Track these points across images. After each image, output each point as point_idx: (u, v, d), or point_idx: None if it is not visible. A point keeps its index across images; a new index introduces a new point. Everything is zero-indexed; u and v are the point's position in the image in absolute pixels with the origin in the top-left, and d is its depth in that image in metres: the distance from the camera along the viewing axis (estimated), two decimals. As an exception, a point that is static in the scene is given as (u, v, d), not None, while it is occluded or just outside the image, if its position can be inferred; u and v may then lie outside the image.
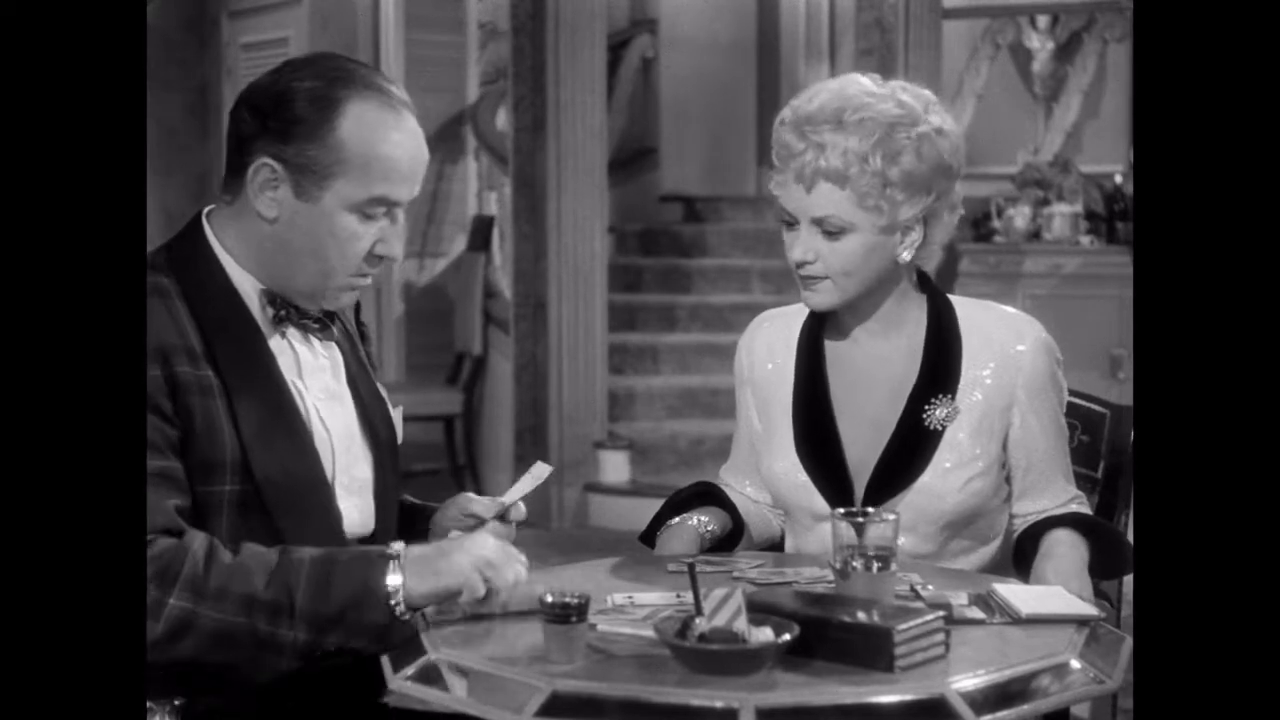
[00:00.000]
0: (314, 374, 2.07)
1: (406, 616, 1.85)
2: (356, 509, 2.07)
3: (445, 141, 7.37)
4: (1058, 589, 2.01)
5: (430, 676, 1.74)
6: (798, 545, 2.36)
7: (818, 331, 2.35)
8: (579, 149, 6.47)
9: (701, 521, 2.32)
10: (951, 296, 2.35)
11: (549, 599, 1.72)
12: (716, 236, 8.02)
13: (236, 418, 1.95)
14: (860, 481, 2.26)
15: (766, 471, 2.36)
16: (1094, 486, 2.49)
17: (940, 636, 1.73)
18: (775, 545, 2.46)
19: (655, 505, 2.42)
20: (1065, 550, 2.17)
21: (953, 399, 2.25)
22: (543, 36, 6.44)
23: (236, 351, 1.99)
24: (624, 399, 6.84)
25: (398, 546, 1.89)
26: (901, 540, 1.96)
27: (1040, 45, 7.62)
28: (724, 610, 1.69)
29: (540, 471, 2.07)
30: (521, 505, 2.12)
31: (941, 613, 1.77)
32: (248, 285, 2.03)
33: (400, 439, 2.19)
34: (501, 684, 1.68)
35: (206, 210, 2.08)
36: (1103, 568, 2.22)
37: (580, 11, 6.46)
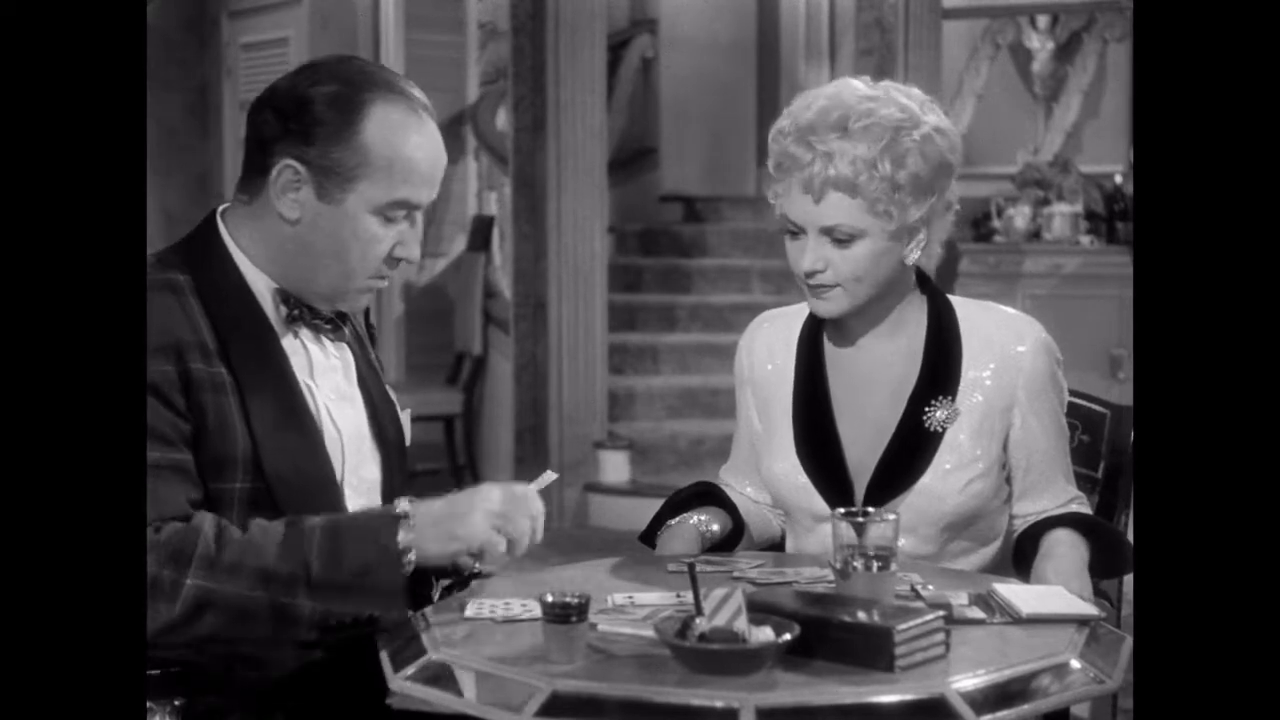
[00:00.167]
0: (326, 374, 2.08)
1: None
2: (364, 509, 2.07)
3: (445, 141, 7.36)
4: (1058, 589, 2.01)
5: (430, 676, 1.74)
6: (798, 546, 2.36)
7: (818, 332, 2.35)
8: (579, 149, 6.47)
9: (701, 521, 2.32)
10: (951, 297, 2.34)
11: (549, 599, 1.72)
12: (716, 236, 8.02)
13: (249, 415, 1.96)
14: (860, 483, 2.26)
15: (766, 472, 2.36)
16: (1094, 486, 2.49)
17: (940, 636, 1.73)
18: (775, 545, 2.46)
19: (655, 505, 2.42)
20: (1065, 550, 2.17)
21: (953, 401, 2.25)
22: (543, 36, 6.45)
23: (250, 349, 2.00)
24: (624, 399, 6.84)
25: (404, 505, 1.90)
26: (901, 542, 1.96)
27: (1040, 45, 7.62)
28: (724, 610, 1.69)
29: (546, 479, 2.08)
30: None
31: (941, 613, 1.77)
32: (261, 284, 2.04)
33: (408, 441, 2.20)
34: (501, 684, 1.68)
35: (221, 209, 2.09)
36: (1103, 567, 2.22)
37: (580, 11, 6.46)
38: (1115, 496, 2.49)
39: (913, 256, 2.24)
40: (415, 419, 2.26)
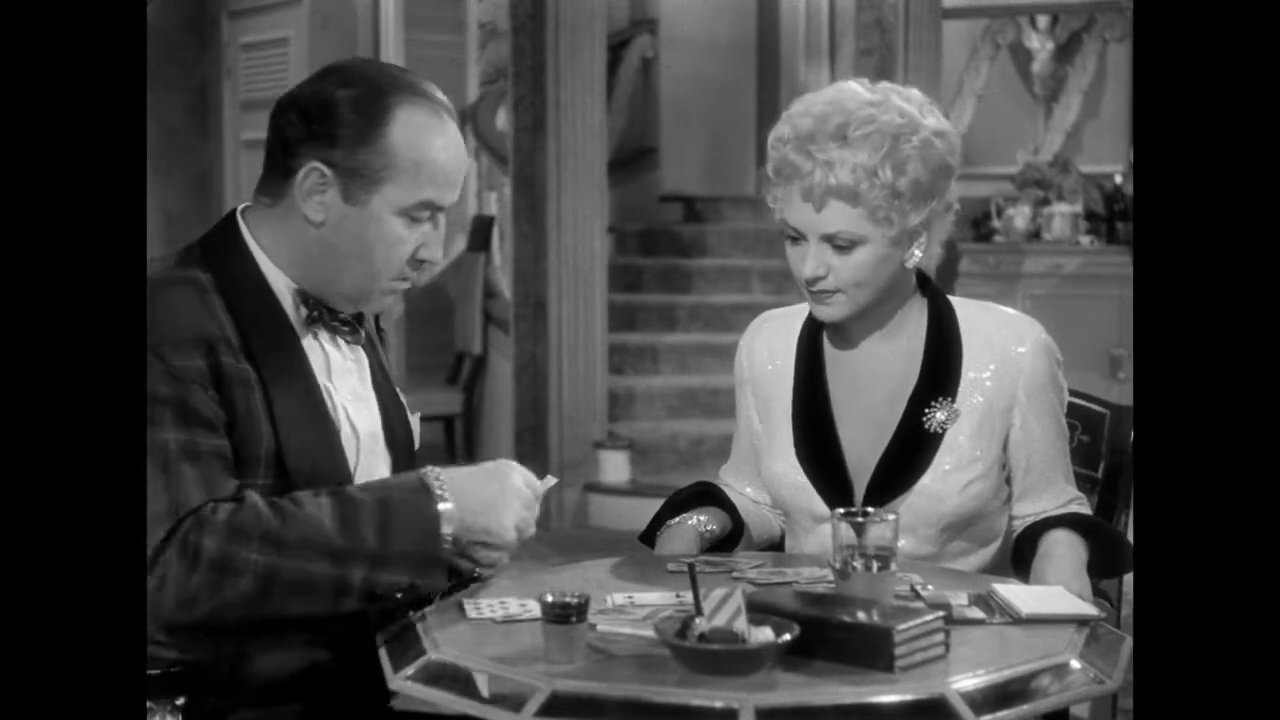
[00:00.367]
0: (342, 376, 2.09)
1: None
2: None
3: (446, 141, 7.35)
4: (1058, 589, 2.01)
5: (430, 676, 1.74)
6: (798, 546, 2.36)
7: (818, 333, 2.35)
8: (579, 149, 6.47)
9: (701, 521, 2.32)
10: (951, 298, 2.34)
11: (549, 599, 1.72)
12: (716, 236, 8.02)
13: (273, 413, 1.97)
14: (860, 484, 2.26)
15: (766, 473, 2.36)
16: (1094, 486, 2.49)
17: (940, 636, 1.73)
18: (775, 545, 2.46)
19: (655, 505, 2.42)
20: (1064, 550, 2.17)
21: (953, 401, 2.25)
22: (543, 36, 6.45)
23: (272, 348, 2.01)
24: (624, 399, 6.84)
25: (437, 485, 1.94)
26: (901, 542, 1.96)
27: (1040, 45, 7.62)
28: (724, 610, 1.69)
29: (546, 484, 2.08)
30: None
31: (941, 613, 1.77)
32: (282, 284, 2.05)
33: (417, 444, 2.22)
34: (501, 684, 1.68)
35: (240, 208, 2.10)
36: (1102, 567, 2.22)
37: (580, 11, 6.46)
38: (1115, 496, 2.49)
39: (914, 259, 2.24)
40: (415, 419, 2.27)
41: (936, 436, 2.24)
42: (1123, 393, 4.71)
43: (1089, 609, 1.91)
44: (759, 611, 1.73)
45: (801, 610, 1.75)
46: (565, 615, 1.71)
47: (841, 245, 2.18)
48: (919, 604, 1.85)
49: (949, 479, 2.23)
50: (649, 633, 1.75)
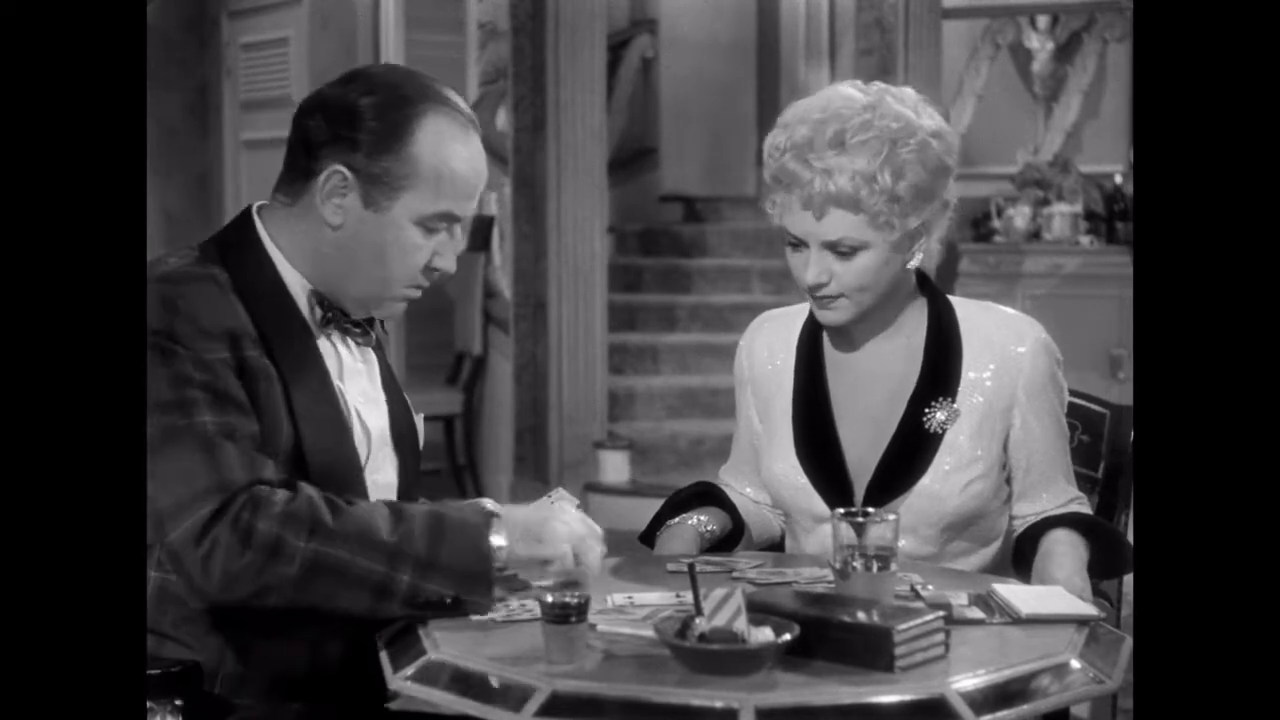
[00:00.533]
0: (353, 377, 2.10)
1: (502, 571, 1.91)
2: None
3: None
4: (1058, 589, 2.02)
5: (430, 676, 1.74)
6: (798, 546, 2.36)
7: (818, 333, 2.34)
8: (579, 149, 6.47)
9: (701, 521, 2.32)
10: (951, 298, 2.34)
11: (549, 599, 1.72)
12: (716, 236, 8.02)
13: (292, 410, 1.98)
14: (860, 484, 2.26)
15: (766, 473, 2.36)
16: (1094, 486, 2.49)
17: (940, 636, 1.73)
18: (775, 545, 2.46)
19: (655, 505, 2.42)
20: (1065, 550, 2.17)
21: (953, 402, 2.25)
22: (543, 36, 6.44)
23: (290, 346, 2.02)
24: (624, 399, 6.84)
25: (492, 504, 1.95)
26: (901, 543, 1.96)
27: (1040, 45, 7.62)
28: (724, 610, 1.69)
29: (558, 497, 2.08)
30: None
31: (941, 613, 1.77)
32: (298, 285, 2.06)
33: (421, 444, 2.22)
34: (501, 684, 1.68)
35: (256, 206, 2.10)
36: (1102, 568, 2.22)
37: (580, 11, 6.46)
38: (1115, 496, 2.49)
39: (915, 260, 2.24)
40: (416, 419, 2.27)
41: (936, 436, 2.24)
42: (1123, 393, 4.71)
43: (1089, 609, 1.91)
44: (759, 611, 1.73)
45: (801, 610, 1.75)
46: (565, 615, 1.71)
47: (843, 251, 2.18)
48: (919, 604, 1.85)
49: (949, 479, 2.23)
50: (649, 633, 1.75)
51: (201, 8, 8.39)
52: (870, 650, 1.68)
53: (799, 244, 2.21)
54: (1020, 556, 2.26)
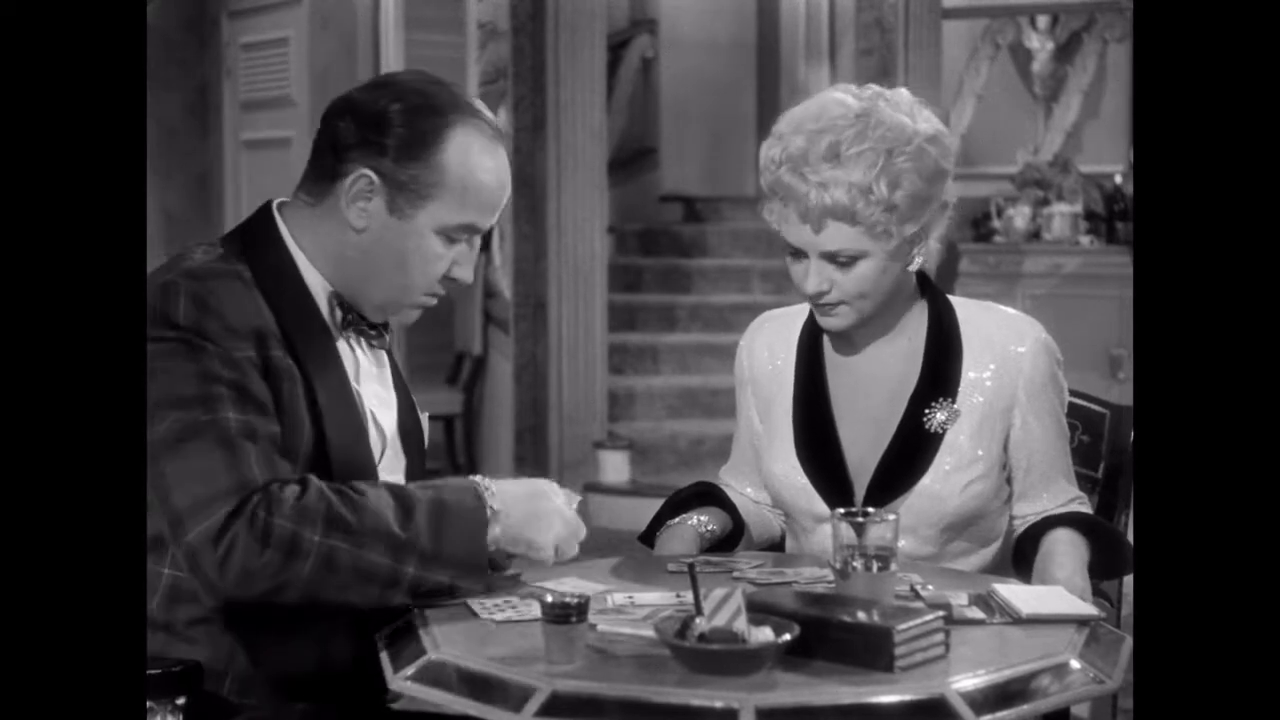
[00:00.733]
0: (368, 380, 2.11)
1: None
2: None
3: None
4: (1058, 589, 2.01)
5: (430, 676, 1.74)
6: (798, 546, 2.36)
7: (818, 333, 2.34)
8: (579, 149, 6.47)
9: (701, 521, 2.32)
10: (952, 298, 2.34)
11: (549, 599, 1.72)
12: (716, 236, 8.02)
13: (313, 410, 1.98)
14: (860, 484, 2.26)
15: (766, 473, 2.36)
16: (1094, 486, 2.49)
17: (940, 636, 1.73)
18: (775, 545, 2.46)
19: (655, 505, 2.42)
20: (1065, 550, 2.17)
21: (953, 402, 2.25)
22: (543, 36, 6.45)
23: (312, 346, 2.02)
24: (624, 399, 6.84)
25: (488, 495, 1.95)
26: (901, 543, 1.96)
27: (1040, 45, 7.62)
28: (724, 610, 1.69)
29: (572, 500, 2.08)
30: None
31: (941, 613, 1.77)
32: (318, 285, 2.06)
33: (426, 443, 2.24)
34: (501, 684, 1.68)
35: (277, 203, 2.10)
36: (1103, 568, 2.22)
37: (580, 11, 6.46)
38: (1115, 496, 2.49)
39: (915, 264, 2.24)
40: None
41: (937, 437, 2.24)
42: (1123, 393, 4.71)
43: (1089, 609, 1.91)
44: (759, 611, 1.73)
45: (801, 610, 1.75)
46: (565, 615, 1.71)
47: (842, 261, 2.18)
48: (919, 604, 1.85)
49: (949, 479, 2.23)
50: (649, 633, 1.75)
51: (201, 8, 8.39)
52: (870, 650, 1.68)
53: (798, 253, 2.21)
54: (1020, 556, 2.25)
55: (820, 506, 2.26)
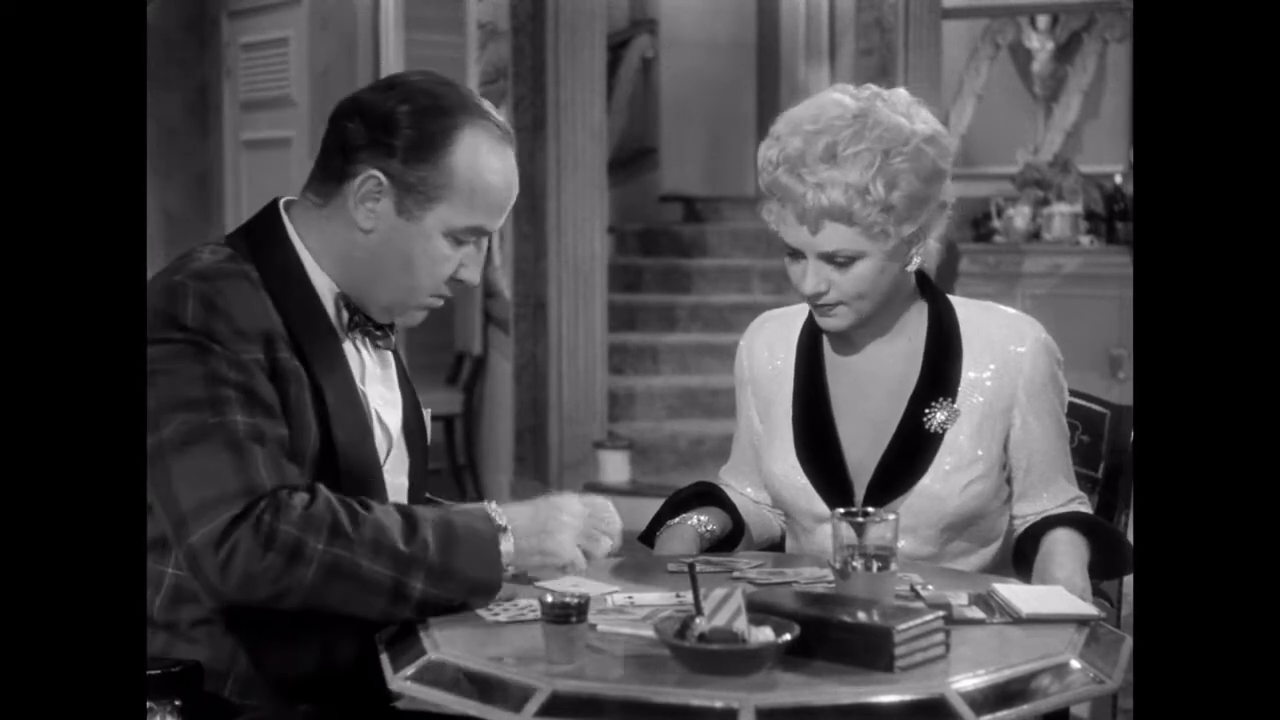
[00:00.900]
0: (373, 381, 2.11)
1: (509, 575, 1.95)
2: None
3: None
4: (1058, 589, 2.02)
5: (430, 676, 1.74)
6: (798, 546, 2.36)
7: (818, 333, 2.34)
8: (579, 149, 6.47)
9: (701, 521, 2.32)
10: (952, 298, 2.34)
11: (549, 599, 1.72)
12: (716, 236, 8.02)
13: (320, 412, 1.98)
14: (860, 484, 2.26)
15: (766, 473, 2.36)
16: (1094, 486, 2.49)
17: (940, 636, 1.73)
18: (775, 545, 2.46)
19: (655, 505, 2.42)
20: (1065, 550, 2.17)
21: (953, 402, 2.25)
22: (543, 36, 6.44)
23: (319, 347, 2.02)
24: (624, 399, 6.84)
25: (495, 508, 1.96)
26: (901, 543, 1.96)
27: (1040, 45, 7.62)
28: (724, 610, 1.69)
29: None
30: None
31: (941, 613, 1.77)
32: (324, 286, 2.06)
33: (429, 441, 2.24)
34: (501, 684, 1.68)
35: (283, 202, 2.10)
36: (1103, 568, 2.22)
37: (580, 11, 6.46)
38: (1115, 496, 2.49)
39: (914, 264, 2.24)
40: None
41: (937, 437, 2.24)
42: (1123, 393, 4.71)
43: (1089, 609, 1.91)
44: (759, 611, 1.73)
45: (801, 610, 1.75)
46: (565, 615, 1.71)
47: (840, 262, 2.18)
48: (919, 604, 1.85)
49: (949, 479, 2.23)
50: (649, 633, 1.75)
51: (201, 8, 8.39)
52: (870, 650, 1.68)
53: (796, 254, 2.21)
54: (1021, 556, 2.26)
55: (820, 506, 2.26)
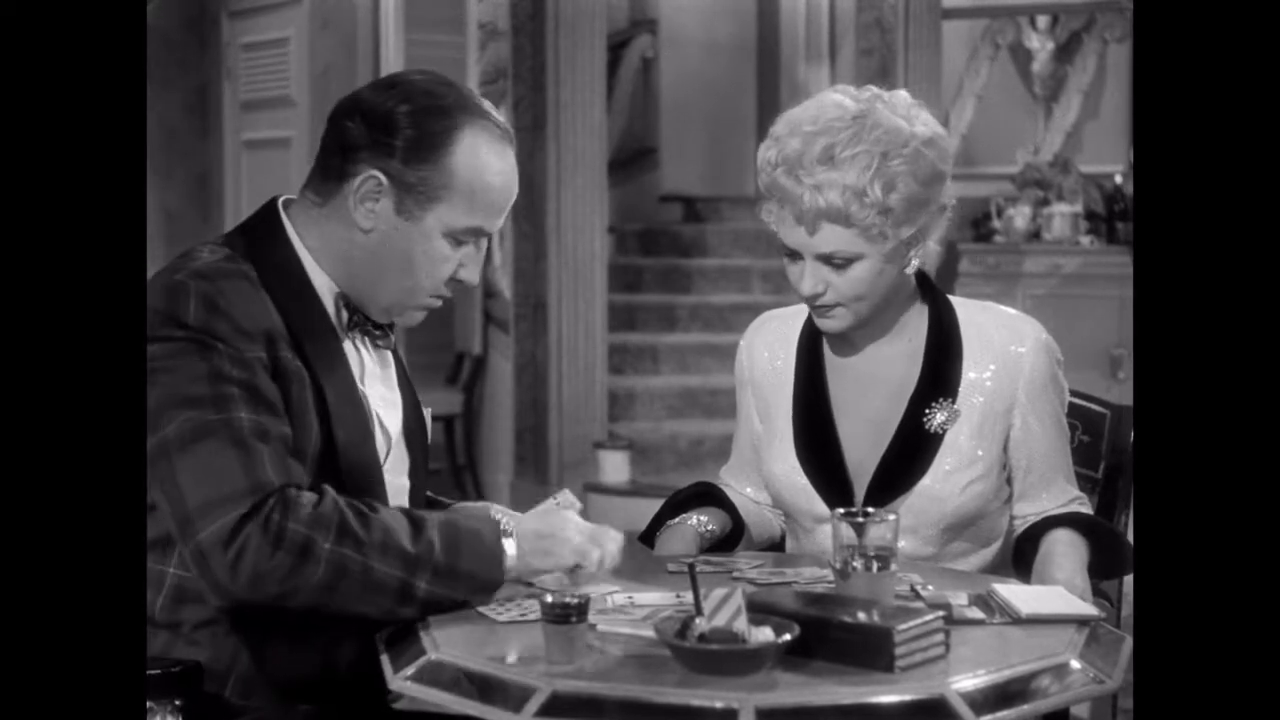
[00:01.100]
0: (373, 381, 2.11)
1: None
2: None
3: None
4: (1058, 589, 2.02)
5: (430, 676, 1.74)
6: (798, 546, 2.36)
7: (818, 334, 2.34)
8: (579, 149, 6.47)
9: (701, 521, 2.32)
10: (952, 298, 2.34)
11: (549, 599, 1.72)
12: (716, 236, 8.02)
13: (321, 411, 1.98)
14: (860, 484, 2.26)
15: (767, 473, 2.36)
16: (1094, 486, 2.49)
17: (940, 636, 1.73)
18: (775, 545, 2.46)
19: (655, 505, 2.42)
20: (1065, 550, 2.17)
21: (953, 402, 2.25)
22: (543, 36, 6.44)
23: (319, 347, 2.02)
24: (624, 399, 6.84)
25: (499, 510, 1.99)
26: (901, 543, 1.96)
27: (1040, 45, 7.62)
28: (724, 610, 1.69)
29: (564, 501, 2.09)
30: None
31: (941, 613, 1.77)
32: (324, 286, 2.06)
33: (429, 440, 2.24)
34: (501, 684, 1.68)
35: (282, 201, 2.10)
36: (1102, 568, 2.22)
37: (580, 11, 6.46)
38: (1115, 496, 2.49)
39: (913, 266, 2.24)
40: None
41: (937, 437, 2.24)
42: (1123, 393, 4.71)
43: (1089, 609, 1.91)
44: (759, 611, 1.73)
45: (801, 610, 1.75)
46: (565, 615, 1.71)
47: (838, 263, 2.18)
48: (919, 604, 1.85)
49: (949, 479, 2.23)
50: (649, 633, 1.75)
51: (201, 8, 8.39)
52: (870, 650, 1.68)
53: (795, 255, 2.21)
54: (1020, 556, 2.25)
55: (820, 507, 2.26)
